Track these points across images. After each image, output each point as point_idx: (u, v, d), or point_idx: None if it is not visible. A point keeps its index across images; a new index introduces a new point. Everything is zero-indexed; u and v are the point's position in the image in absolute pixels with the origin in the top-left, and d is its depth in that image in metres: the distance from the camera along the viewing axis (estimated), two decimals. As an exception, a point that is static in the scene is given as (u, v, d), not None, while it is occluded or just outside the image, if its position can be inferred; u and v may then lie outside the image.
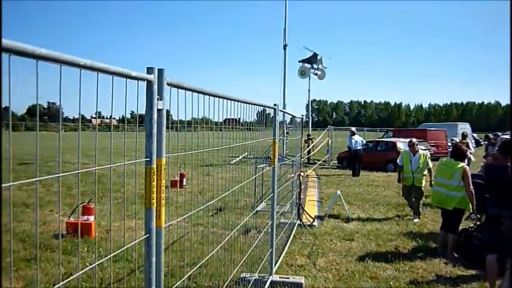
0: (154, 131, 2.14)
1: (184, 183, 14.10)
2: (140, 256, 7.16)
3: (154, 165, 2.15)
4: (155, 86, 2.10)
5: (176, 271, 6.45)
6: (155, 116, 2.13)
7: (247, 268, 5.90)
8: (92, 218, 8.24)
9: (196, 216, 10.05)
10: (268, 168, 9.19)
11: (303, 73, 28.01)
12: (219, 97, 3.22)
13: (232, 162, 17.84)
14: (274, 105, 5.63)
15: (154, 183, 2.15)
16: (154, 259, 2.22)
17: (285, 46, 26.24)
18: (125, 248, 2.46)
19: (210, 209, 10.99)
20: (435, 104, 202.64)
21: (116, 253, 2.51)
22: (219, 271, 5.91)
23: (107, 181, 15.31)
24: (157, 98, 2.13)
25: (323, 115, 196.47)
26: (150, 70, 2.10)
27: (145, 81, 2.08)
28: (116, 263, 6.62)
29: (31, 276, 6.24)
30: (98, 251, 7.42)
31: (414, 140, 11.35)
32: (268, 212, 7.19)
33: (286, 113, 7.86)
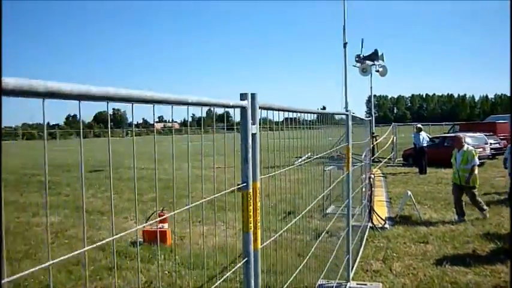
0: (250, 155, 2.16)
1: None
2: (216, 264, 7.31)
3: (251, 190, 2.18)
4: (249, 112, 2.13)
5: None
6: (250, 141, 2.16)
7: (323, 275, 5.87)
8: (166, 225, 8.44)
9: (267, 221, 10.12)
10: (335, 169, 9.14)
11: (364, 70, 27.60)
12: (303, 112, 3.23)
13: (296, 163, 17.81)
14: (347, 111, 5.58)
15: (251, 207, 2.18)
16: (253, 281, 2.25)
17: (345, 44, 25.93)
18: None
19: (279, 212, 11.05)
20: (501, 94, 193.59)
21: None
22: (296, 278, 5.92)
23: (176, 187, 15.66)
24: (251, 123, 2.16)
25: (383, 110, 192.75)
26: (243, 96, 2.13)
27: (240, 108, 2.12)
28: (192, 271, 6.77)
29: (113, 285, 6.45)
30: (175, 259, 7.60)
31: (461, 135, 11.06)
32: (338, 215, 7.13)
33: (358, 117, 7.77)
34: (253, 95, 2.18)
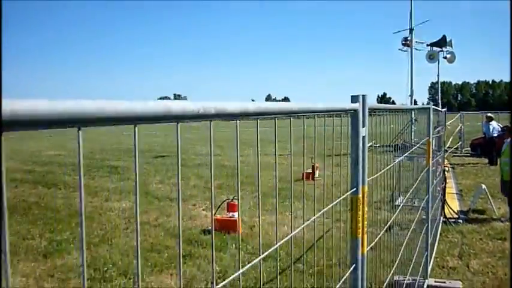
0: (360, 159, 2.11)
1: (316, 175, 14.11)
2: (288, 255, 7.30)
3: (360, 195, 2.13)
4: (360, 115, 2.07)
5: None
6: (361, 144, 2.10)
7: (400, 270, 5.75)
8: (236, 214, 8.52)
9: (335, 212, 10.02)
10: (402, 159, 8.89)
11: (431, 57, 26.80)
12: (403, 110, 3.13)
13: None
14: (427, 104, 5.40)
15: (360, 212, 2.13)
16: (359, 285, 2.21)
17: (411, 30, 25.25)
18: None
19: (345, 203, 10.92)
20: None
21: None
22: (371, 273, 5.83)
23: (240, 174, 15.77)
24: (361, 125, 2.10)
25: (447, 97, 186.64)
26: (354, 99, 2.07)
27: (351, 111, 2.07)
28: (265, 262, 6.80)
29: (188, 273, 6.57)
30: (246, 248, 7.66)
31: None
32: (408, 207, 6.95)
33: (437, 109, 7.52)
34: (364, 97, 2.12)
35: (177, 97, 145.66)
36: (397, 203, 9.65)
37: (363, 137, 2.14)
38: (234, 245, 7.80)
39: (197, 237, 8.21)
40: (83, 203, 0.80)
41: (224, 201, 8.76)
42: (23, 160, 20.98)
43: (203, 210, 10.32)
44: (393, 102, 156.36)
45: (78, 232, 8.54)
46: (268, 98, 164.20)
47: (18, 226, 8.94)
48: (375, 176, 3.14)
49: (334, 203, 2.16)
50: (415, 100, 28.22)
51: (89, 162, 19.68)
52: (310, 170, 14.29)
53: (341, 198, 2.19)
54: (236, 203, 8.68)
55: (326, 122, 2.00)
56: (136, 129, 0.92)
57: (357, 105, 2.05)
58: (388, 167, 3.65)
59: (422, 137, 9.37)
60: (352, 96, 2.07)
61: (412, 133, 12.05)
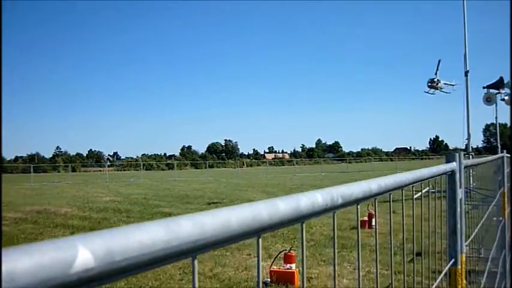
0: (459, 226, 1.86)
1: (373, 223, 13.64)
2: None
3: (459, 266, 1.87)
4: (457, 175, 1.84)
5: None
6: (458, 208, 1.86)
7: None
8: (293, 266, 8.22)
9: (395, 263, 9.57)
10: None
11: (488, 100, 26.05)
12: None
13: (415, 196, 16.98)
14: (501, 152, 5.06)
15: (460, 286, 1.86)
16: None
17: (466, 72, 24.68)
18: None
19: (406, 253, 10.42)
20: None
21: None
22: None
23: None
24: (458, 186, 1.86)
25: (504, 139, 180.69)
26: (451, 157, 1.85)
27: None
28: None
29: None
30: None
31: None
32: (473, 258, 6.46)
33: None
34: (460, 155, 1.89)
35: (227, 142, 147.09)
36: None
37: (460, 200, 1.90)
38: (292, 299, 7.49)
39: (254, 290, 7.94)
40: None
41: (281, 251, 8.49)
42: (79, 206, 21.38)
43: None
44: (447, 146, 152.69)
45: (134, 282, 8.44)
46: (319, 143, 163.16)
47: (75, 275, 8.92)
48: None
49: (436, 283, 1.90)
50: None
51: (143, 208, 19.85)
52: (366, 218, 13.85)
53: (442, 274, 1.92)
54: (293, 254, 8.40)
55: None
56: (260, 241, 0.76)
57: (454, 165, 1.83)
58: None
59: (484, 182, 8.80)
60: (448, 154, 1.84)
61: (471, 178, 11.50)
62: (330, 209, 0.85)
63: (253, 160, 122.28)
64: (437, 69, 36.55)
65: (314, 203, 0.79)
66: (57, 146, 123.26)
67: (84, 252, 0.36)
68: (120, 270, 0.41)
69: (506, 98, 26.49)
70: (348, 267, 9.34)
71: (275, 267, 8.23)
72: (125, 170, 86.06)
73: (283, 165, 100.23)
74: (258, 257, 0.76)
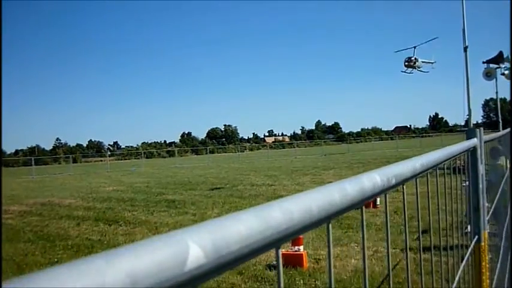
0: (481, 202, 1.84)
1: (377, 203, 13.65)
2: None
3: (483, 242, 1.85)
4: (478, 151, 1.82)
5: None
6: (481, 185, 1.84)
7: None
8: (301, 247, 8.24)
9: (401, 241, 9.60)
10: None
11: (488, 74, 25.85)
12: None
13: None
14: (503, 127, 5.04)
15: (484, 262, 1.85)
16: None
17: (465, 48, 24.49)
18: None
19: (412, 231, 10.45)
20: None
21: None
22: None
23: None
24: (480, 162, 1.84)
25: (503, 114, 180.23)
26: (472, 133, 1.82)
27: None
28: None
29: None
30: (315, 284, 7.35)
31: None
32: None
33: None
34: (480, 131, 1.86)
35: (227, 127, 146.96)
36: (468, 230, 9.08)
37: (482, 176, 1.88)
38: (302, 281, 7.52)
39: (262, 273, 7.96)
40: None
41: (288, 234, 8.51)
42: (83, 197, 21.42)
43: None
44: (446, 123, 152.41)
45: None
46: (318, 124, 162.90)
47: (83, 266, 8.95)
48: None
49: (464, 261, 1.89)
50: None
51: (147, 196, 19.88)
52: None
53: (470, 250, 1.91)
54: (301, 236, 8.40)
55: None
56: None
57: (475, 141, 1.80)
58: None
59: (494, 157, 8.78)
60: (469, 131, 1.82)
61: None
62: (385, 190, 0.83)
63: (254, 144, 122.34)
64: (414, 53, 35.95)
65: (374, 184, 0.76)
66: (57, 138, 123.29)
67: (195, 248, 0.34)
68: (225, 264, 0.39)
69: (506, 72, 26.34)
70: (356, 247, 9.37)
71: (283, 249, 8.23)
72: (125, 159, 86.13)
73: (284, 148, 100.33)
74: (328, 244, 0.73)
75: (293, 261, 7.94)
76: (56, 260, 9.53)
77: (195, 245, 0.34)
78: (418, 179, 1.22)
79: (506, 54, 25.78)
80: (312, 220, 0.56)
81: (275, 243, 0.50)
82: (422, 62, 37.51)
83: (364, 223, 0.91)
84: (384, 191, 0.82)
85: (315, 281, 7.49)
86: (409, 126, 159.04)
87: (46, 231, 12.94)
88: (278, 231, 0.47)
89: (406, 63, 35.97)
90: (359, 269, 7.82)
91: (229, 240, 0.38)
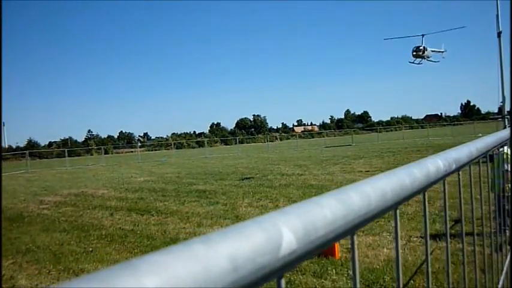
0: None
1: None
2: (393, 280, 6.91)
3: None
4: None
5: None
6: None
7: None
8: (333, 237, 8.20)
9: (434, 230, 9.49)
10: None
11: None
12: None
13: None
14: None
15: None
16: None
17: (499, 33, 23.90)
18: None
19: (439, 220, 10.32)
20: None
21: None
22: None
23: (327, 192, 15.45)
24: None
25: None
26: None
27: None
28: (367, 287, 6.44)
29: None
30: (347, 274, 7.32)
31: None
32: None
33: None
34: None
35: (256, 117, 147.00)
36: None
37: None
38: (334, 270, 7.49)
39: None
40: None
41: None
42: (115, 187, 21.75)
43: (297, 233, 10.06)
44: (478, 110, 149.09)
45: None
46: (347, 113, 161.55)
47: (118, 255, 9.10)
48: None
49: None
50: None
51: (178, 187, 20.07)
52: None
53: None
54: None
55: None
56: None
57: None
58: None
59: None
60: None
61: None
62: (446, 175, 0.81)
63: (283, 134, 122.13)
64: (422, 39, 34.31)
65: (437, 169, 0.74)
66: (89, 130, 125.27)
67: (288, 234, 0.33)
68: (313, 249, 0.39)
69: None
70: (388, 236, 9.28)
71: (315, 239, 8.22)
72: (156, 150, 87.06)
73: (313, 137, 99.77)
74: (396, 231, 0.72)
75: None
76: (90, 249, 9.71)
77: (287, 230, 0.33)
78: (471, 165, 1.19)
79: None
80: (387, 204, 0.54)
81: (355, 227, 0.49)
82: (432, 51, 35.87)
83: (427, 209, 0.88)
84: (445, 176, 0.80)
85: (347, 271, 7.46)
86: (440, 114, 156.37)
87: (80, 221, 13.20)
88: (358, 215, 0.46)
89: (414, 53, 34.38)
90: (390, 257, 7.76)
91: (317, 225, 0.37)
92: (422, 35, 33.99)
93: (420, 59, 34.92)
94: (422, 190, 0.70)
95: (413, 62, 35.68)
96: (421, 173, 0.67)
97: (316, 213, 0.38)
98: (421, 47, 33.90)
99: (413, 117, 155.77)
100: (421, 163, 0.71)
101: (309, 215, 0.37)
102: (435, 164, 0.72)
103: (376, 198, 0.51)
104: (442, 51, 36.13)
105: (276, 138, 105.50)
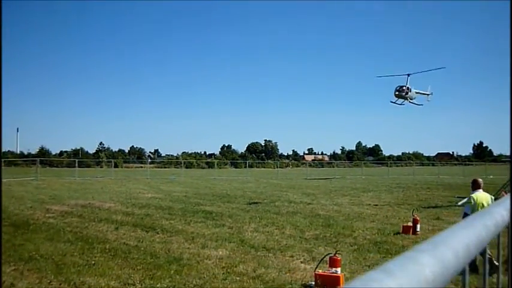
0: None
1: (417, 229, 13.34)
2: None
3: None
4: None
5: None
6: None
7: None
8: (339, 270, 8.09)
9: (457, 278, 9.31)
10: None
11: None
12: None
13: (459, 203, 16.46)
14: None
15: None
16: None
17: (515, 77, 23.86)
18: None
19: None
20: None
21: None
22: None
23: (334, 223, 15.37)
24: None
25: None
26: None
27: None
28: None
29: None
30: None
31: (479, 179, 9.81)
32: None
33: None
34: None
35: (267, 143, 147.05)
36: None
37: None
38: (337, 304, 7.37)
39: (298, 293, 7.86)
40: None
41: (326, 255, 8.37)
42: (122, 202, 21.74)
43: (301, 262, 9.94)
44: (491, 152, 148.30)
45: (178, 280, 8.47)
46: (359, 145, 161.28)
47: (120, 270, 9.03)
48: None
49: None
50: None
51: (184, 206, 20.02)
52: (410, 223, 13.57)
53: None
54: (339, 258, 8.26)
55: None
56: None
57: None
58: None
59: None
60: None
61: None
62: None
63: (293, 161, 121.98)
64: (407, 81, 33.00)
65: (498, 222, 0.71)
66: (101, 142, 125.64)
67: None
68: None
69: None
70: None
71: (320, 270, 8.11)
72: (165, 167, 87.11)
73: (323, 167, 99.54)
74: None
75: (330, 283, 7.80)
76: (93, 262, 9.66)
77: None
78: None
79: None
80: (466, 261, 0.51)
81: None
82: (417, 92, 34.63)
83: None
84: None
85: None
86: (452, 153, 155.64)
87: (85, 232, 13.16)
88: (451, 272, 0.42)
89: (397, 93, 32.88)
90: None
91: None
92: (408, 75, 33.03)
93: (403, 100, 33.68)
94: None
95: (395, 102, 34.24)
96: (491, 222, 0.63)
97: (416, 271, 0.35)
98: (404, 87, 32.74)
99: (424, 154, 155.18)
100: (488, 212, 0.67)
101: (410, 273, 0.34)
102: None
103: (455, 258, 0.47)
104: (428, 94, 34.96)
105: (289, 165, 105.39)
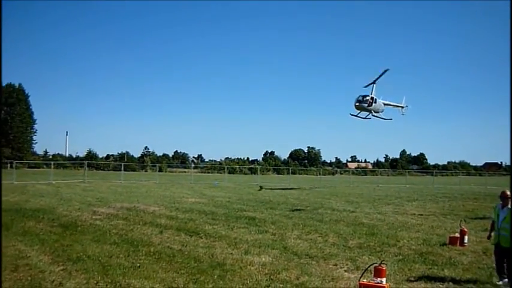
0: None
1: (465, 241, 12.95)
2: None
3: None
4: None
5: None
6: None
7: None
8: (384, 280, 7.92)
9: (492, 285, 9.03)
10: None
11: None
12: None
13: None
14: None
15: None
16: None
17: None
18: None
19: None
20: None
21: None
22: None
23: (378, 232, 15.10)
24: None
25: None
26: None
27: None
28: None
29: None
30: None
31: (507, 191, 9.42)
32: None
33: None
34: None
35: (310, 150, 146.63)
36: None
37: None
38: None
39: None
40: None
41: (371, 264, 8.22)
42: (166, 206, 22.03)
43: (345, 271, 9.81)
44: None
45: (221, 285, 8.49)
46: (403, 154, 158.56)
47: (164, 274, 9.12)
48: None
49: None
50: None
51: (228, 211, 20.11)
52: (457, 234, 13.19)
53: None
54: (384, 268, 8.10)
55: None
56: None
57: None
58: None
59: None
60: None
61: None
62: None
63: (336, 168, 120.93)
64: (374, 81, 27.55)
65: None
66: (146, 146, 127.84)
67: None
68: None
69: None
70: (441, 285, 8.89)
71: (364, 280, 7.97)
72: (208, 173, 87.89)
73: (366, 174, 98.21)
74: None
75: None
76: (138, 265, 9.80)
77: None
78: None
79: None
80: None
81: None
82: (385, 104, 29.85)
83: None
84: None
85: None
86: (500, 163, 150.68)
87: (130, 235, 13.39)
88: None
89: (357, 104, 28.25)
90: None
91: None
92: (373, 82, 28.53)
93: (367, 113, 29.35)
94: None
95: (356, 115, 29.59)
96: None
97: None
98: (367, 97, 28.32)
99: (471, 164, 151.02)
100: None
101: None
102: None
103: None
104: (402, 106, 31.10)
105: (332, 173, 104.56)
